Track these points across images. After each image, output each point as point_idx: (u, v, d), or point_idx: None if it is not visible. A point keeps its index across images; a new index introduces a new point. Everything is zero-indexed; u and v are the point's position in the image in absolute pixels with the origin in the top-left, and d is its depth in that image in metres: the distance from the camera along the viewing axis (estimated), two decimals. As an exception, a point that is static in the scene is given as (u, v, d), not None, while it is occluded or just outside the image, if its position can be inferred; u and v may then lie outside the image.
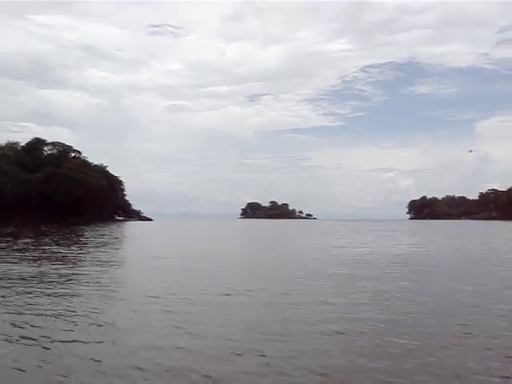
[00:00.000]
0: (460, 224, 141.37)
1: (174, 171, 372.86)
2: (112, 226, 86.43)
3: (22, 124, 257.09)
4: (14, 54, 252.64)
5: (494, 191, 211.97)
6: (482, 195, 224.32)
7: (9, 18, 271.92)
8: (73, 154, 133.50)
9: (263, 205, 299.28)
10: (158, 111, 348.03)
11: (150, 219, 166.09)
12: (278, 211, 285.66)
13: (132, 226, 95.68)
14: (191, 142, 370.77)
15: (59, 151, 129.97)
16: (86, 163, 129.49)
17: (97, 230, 65.94)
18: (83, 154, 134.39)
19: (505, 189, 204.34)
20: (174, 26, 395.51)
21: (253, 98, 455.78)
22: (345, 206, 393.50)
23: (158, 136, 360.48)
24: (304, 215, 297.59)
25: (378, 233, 69.17)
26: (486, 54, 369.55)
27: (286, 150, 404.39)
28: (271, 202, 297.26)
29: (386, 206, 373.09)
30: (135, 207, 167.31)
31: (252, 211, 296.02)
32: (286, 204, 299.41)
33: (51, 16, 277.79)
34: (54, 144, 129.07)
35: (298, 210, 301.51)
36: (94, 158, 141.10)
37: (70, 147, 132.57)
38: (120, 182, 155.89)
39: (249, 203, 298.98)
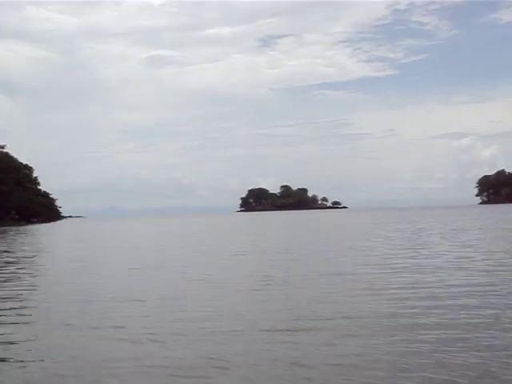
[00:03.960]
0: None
1: (162, 150, 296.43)
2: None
3: None
4: None
5: None
6: None
7: None
8: None
9: (271, 191, 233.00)
10: (135, 66, 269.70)
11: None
12: (292, 199, 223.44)
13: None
14: (185, 109, 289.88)
15: None
16: None
17: None
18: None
19: None
20: None
21: (267, 42, 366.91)
22: (400, 187, 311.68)
23: (137, 102, 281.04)
24: (329, 204, 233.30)
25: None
26: None
27: (316, 114, 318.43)
28: (282, 186, 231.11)
29: (461, 186, 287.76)
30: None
31: (256, 201, 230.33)
32: (304, 189, 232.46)
33: None
34: None
35: (320, 196, 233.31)
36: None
37: None
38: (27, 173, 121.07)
39: (251, 190, 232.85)
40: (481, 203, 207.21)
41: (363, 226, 57.69)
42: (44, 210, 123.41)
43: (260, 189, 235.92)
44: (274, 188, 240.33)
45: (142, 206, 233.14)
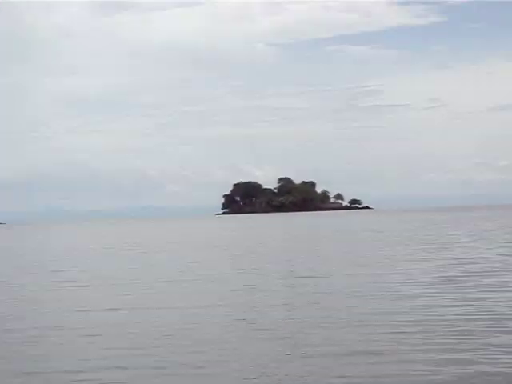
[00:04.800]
0: None
1: (119, 130, 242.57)
2: None
3: None
4: None
5: None
6: None
7: None
8: None
9: (265, 186, 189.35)
10: (78, 12, 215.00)
11: None
12: (294, 197, 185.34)
13: None
14: (150, 72, 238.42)
15: None
16: None
17: None
18: None
19: None
20: None
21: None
22: (446, 180, 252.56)
23: (82, 62, 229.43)
24: (346, 203, 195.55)
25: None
26: None
27: (330, 78, 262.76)
28: (281, 179, 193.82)
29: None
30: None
31: (244, 199, 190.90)
32: (311, 182, 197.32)
33: None
34: None
35: (333, 192, 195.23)
36: None
37: None
38: None
39: (237, 185, 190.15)
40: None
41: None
42: None
43: (250, 183, 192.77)
44: (269, 181, 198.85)
45: (91, 207, 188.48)
